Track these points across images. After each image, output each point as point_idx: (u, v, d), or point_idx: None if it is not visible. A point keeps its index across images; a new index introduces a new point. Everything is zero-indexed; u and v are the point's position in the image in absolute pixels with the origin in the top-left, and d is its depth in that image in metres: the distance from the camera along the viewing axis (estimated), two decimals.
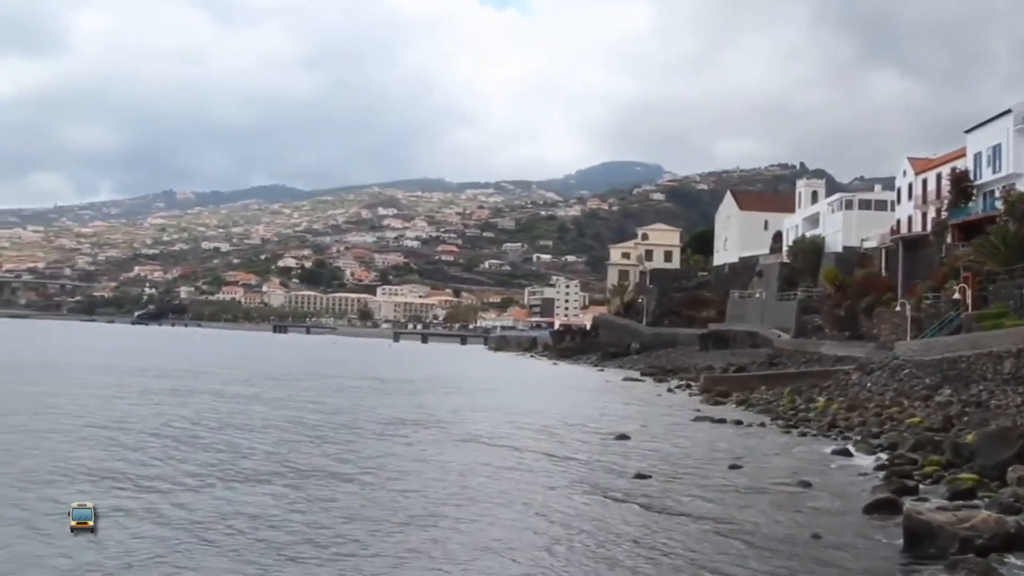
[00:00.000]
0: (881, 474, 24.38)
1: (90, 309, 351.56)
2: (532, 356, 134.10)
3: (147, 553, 15.12)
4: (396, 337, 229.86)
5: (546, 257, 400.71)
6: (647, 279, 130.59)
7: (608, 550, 16.51)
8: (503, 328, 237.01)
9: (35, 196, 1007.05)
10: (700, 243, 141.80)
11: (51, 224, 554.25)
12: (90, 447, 26.41)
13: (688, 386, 63.05)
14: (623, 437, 33.62)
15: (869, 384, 44.37)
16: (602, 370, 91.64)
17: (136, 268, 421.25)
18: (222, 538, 16.30)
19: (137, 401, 41.35)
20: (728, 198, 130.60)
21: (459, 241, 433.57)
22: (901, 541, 16.69)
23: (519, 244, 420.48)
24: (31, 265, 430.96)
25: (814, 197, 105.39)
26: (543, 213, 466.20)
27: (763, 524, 19.04)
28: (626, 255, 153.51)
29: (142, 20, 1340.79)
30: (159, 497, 19.70)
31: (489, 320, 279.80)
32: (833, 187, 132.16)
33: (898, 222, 78.77)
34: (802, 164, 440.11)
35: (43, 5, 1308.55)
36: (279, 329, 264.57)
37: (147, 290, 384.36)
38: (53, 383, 48.84)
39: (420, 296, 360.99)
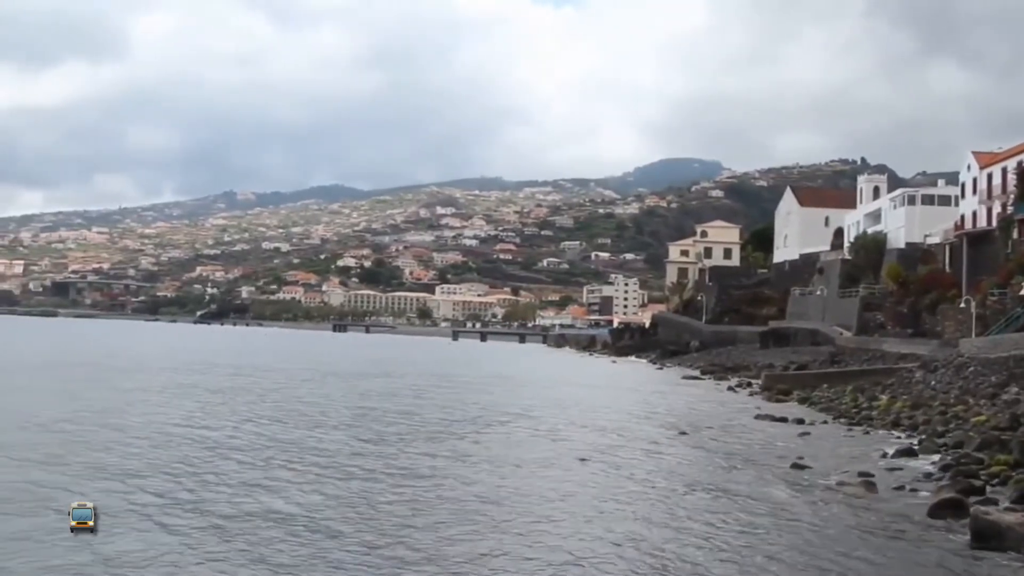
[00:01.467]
0: (947, 474, 24.06)
1: (153, 309, 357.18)
2: (591, 354, 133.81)
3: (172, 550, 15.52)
4: (455, 336, 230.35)
5: (604, 255, 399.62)
6: (706, 277, 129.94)
7: (675, 547, 16.62)
8: (562, 326, 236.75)
9: (100, 198, 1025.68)
10: (760, 240, 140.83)
11: (115, 225, 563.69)
12: (160, 446, 26.93)
13: (748, 384, 62.61)
14: (684, 434, 33.62)
15: (933, 382, 43.79)
16: (661, 368, 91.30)
17: (198, 268, 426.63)
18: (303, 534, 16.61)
19: (211, 399, 42.08)
20: (788, 194, 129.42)
21: (517, 239, 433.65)
22: (967, 540, 16.60)
23: (577, 242, 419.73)
24: (96, 266, 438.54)
25: (876, 192, 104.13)
26: (601, 211, 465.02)
27: (828, 521, 19.05)
28: (685, 252, 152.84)
29: (201, 24, 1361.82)
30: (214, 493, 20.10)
31: (548, 318, 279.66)
32: (895, 182, 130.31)
33: (962, 217, 77.55)
34: (863, 159, 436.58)
35: (104, 11, 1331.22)
36: (339, 328, 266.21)
37: (209, 290, 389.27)
38: (135, 382, 49.89)
39: (479, 295, 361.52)
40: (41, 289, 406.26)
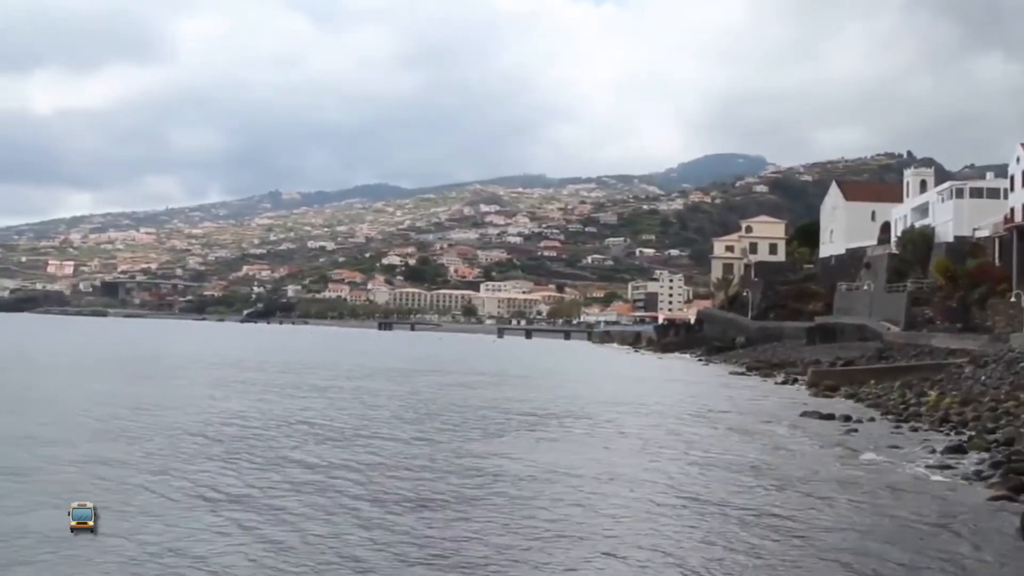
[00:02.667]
0: (997, 471, 23.87)
1: (201, 308, 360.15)
2: (637, 351, 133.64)
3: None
4: (500, 333, 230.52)
5: (649, 251, 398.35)
6: (752, 272, 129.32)
7: (739, 546, 16.75)
8: (606, 323, 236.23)
9: (148, 199, 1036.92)
10: (805, 235, 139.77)
11: (163, 226, 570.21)
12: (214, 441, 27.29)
13: (795, 380, 62.22)
14: (731, 430, 33.62)
15: (983, 378, 43.36)
16: (707, 364, 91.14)
17: (244, 268, 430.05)
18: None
19: (263, 396, 42.55)
20: (834, 188, 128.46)
21: (561, 236, 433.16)
22: (1018, 531, 16.65)
23: (621, 238, 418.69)
24: (144, 266, 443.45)
25: (923, 186, 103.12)
26: (645, 207, 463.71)
27: (879, 515, 19.11)
28: (730, 248, 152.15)
29: (244, 26, 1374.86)
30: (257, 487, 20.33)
31: (592, 315, 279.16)
32: (942, 176, 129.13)
33: (1012, 210, 76.48)
34: (909, 153, 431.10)
35: (149, 15, 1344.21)
36: (384, 326, 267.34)
37: (255, 289, 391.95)
38: (188, 379, 50.66)
39: (523, 292, 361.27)
40: (91, 289, 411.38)
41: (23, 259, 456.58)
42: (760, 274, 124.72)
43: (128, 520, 16.94)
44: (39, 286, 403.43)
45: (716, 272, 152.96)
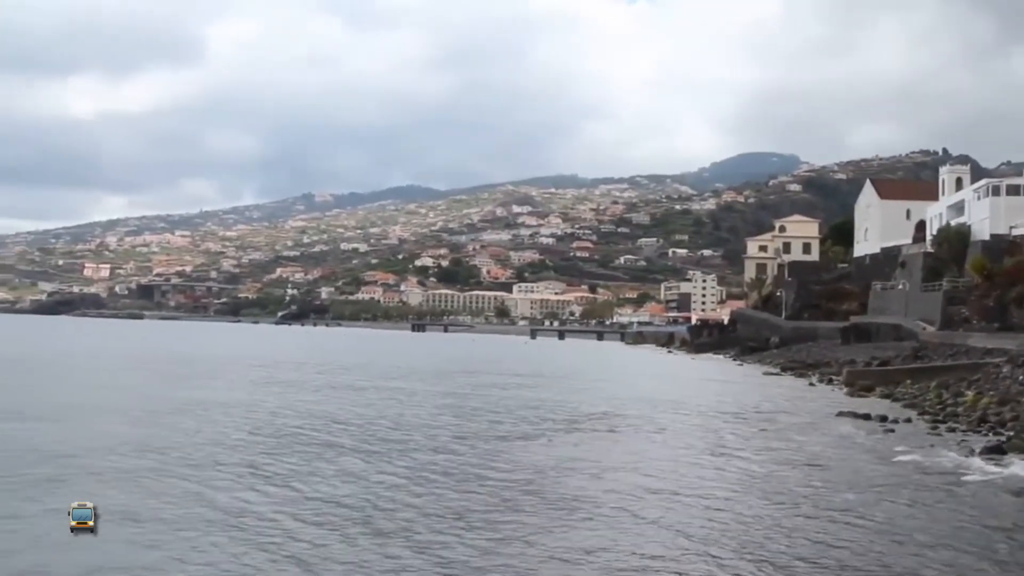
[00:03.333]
0: None
1: (235, 310, 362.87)
2: (670, 351, 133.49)
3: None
4: (533, 334, 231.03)
5: (682, 252, 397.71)
6: (785, 272, 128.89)
7: (782, 544, 16.85)
8: (639, 324, 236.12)
9: (182, 201, 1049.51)
10: (839, 234, 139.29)
11: (197, 228, 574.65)
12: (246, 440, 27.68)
13: (830, 380, 62.05)
14: (771, 429, 33.79)
15: (1021, 377, 43.02)
16: (741, 365, 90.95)
17: (278, 270, 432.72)
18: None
19: (300, 397, 42.88)
20: (868, 187, 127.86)
21: (594, 237, 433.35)
22: None
23: (654, 239, 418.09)
24: (179, 269, 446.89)
25: (958, 184, 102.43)
26: (678, 207, 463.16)
27: (918, 517, 19.15)
28: (763, 248, 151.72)
29: (278, 28, 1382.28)
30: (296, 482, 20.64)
31: (625, 316, 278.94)
32: (978, 173, 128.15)
33: None
34: (944, 150, 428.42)
35: (182, 19, 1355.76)
36: (417, 328, 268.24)
37: (289, 291, 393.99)
38: (228, 379, 51.15)
39: (556, 293, 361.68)
40: (127, 292, 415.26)
41: (60, 262, 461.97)
42: (794, 274, 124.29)
43: (130, 520, 16.96)
44: (76, 289, 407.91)
45: (749, 272, 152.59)
